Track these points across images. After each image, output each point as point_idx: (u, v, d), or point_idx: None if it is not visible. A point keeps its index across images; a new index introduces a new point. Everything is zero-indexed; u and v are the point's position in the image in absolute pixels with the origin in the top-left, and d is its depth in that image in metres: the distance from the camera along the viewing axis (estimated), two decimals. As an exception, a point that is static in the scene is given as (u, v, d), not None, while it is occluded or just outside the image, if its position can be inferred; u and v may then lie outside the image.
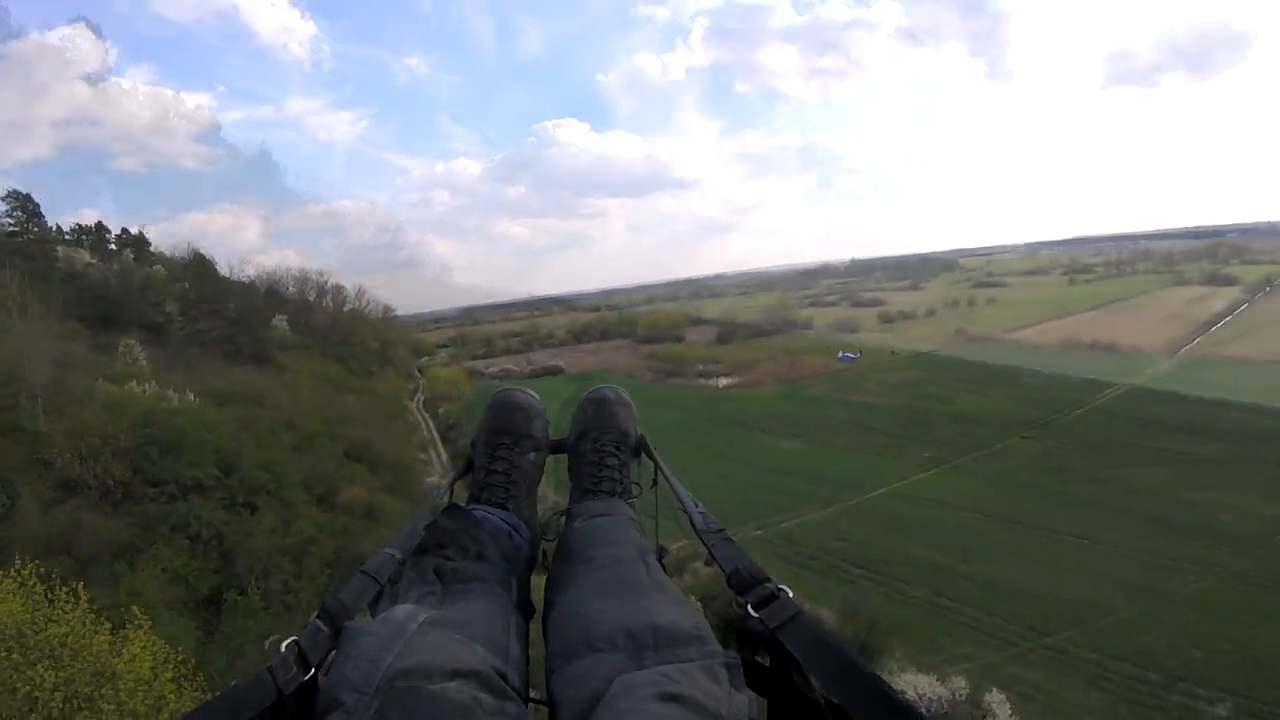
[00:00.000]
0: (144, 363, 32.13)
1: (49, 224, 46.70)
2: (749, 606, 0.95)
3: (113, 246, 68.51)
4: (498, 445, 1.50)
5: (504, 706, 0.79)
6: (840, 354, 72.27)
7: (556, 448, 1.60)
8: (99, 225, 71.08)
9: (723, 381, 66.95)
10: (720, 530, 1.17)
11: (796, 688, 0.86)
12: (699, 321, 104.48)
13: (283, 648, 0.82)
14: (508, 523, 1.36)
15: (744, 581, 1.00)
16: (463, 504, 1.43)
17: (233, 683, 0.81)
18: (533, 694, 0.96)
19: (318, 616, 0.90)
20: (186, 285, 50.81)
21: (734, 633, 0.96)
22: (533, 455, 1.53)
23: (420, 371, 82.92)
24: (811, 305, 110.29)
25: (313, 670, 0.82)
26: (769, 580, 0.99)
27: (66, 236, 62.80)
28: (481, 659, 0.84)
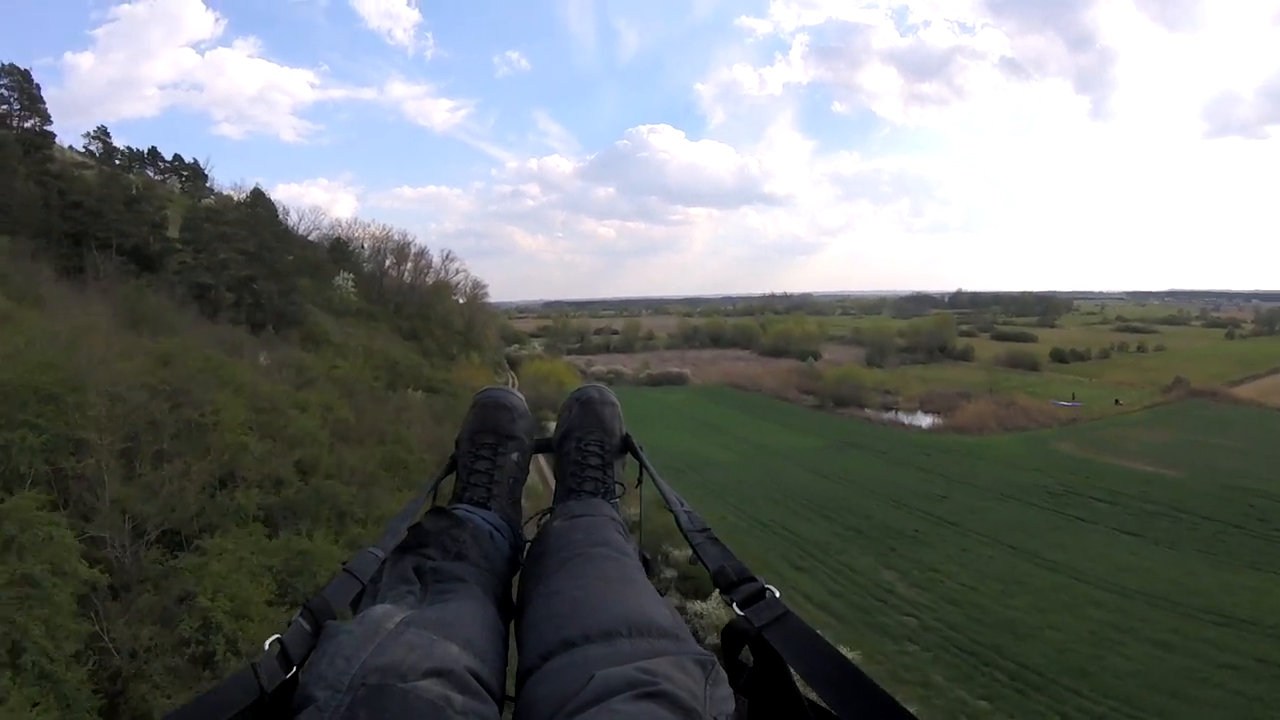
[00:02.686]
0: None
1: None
2: (734, 604, 0.93)
3: (161, 177, 57.26)
4: (481, 445, 1.48)
5: (477, 706, 0.77)
6: (1052, 400, 57.31)
7: (542, 448, 1.57)
8: (153, 150, 59.61)
9: (924, 421, 52.67)
10: (706, 529, 1.15)
11: (780, 688, 0.84)
12: (832, 338, 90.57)
13: (266, 646, 0.83)
14: (489, 523, 1.33)
15: (729, 580, 0.98)
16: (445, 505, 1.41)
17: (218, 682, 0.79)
18: (510, 694, 0.93)
19: (300, 615, 0.89)
20: (220, 215, 37.37)
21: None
22: (516, 456, 1.50)
23: (511, 364, 69.15)
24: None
25: (294, 668, 0.82)
26: (755, 579, 0.96)
27: (94, 151, 50.72)
28: (456, 658, 0.82)
